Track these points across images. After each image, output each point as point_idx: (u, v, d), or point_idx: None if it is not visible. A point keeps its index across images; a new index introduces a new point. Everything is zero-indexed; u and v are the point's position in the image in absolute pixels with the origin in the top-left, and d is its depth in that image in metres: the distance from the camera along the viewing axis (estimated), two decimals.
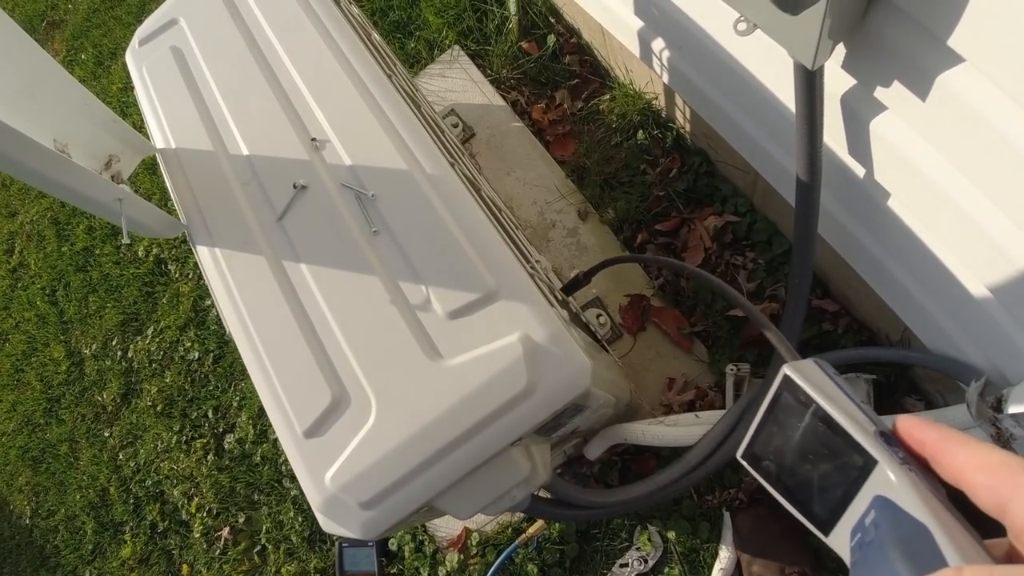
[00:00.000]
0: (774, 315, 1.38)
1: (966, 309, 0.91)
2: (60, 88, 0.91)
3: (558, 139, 1.74)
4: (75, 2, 3.02)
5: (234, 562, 1.85)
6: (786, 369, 0.33)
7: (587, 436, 1.26)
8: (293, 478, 1.82)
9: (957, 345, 0.99)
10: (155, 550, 2.03)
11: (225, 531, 1.89)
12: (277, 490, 1.85)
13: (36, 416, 2.42)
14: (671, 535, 1.37)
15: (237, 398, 1.99)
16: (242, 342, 0.86)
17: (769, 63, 0.97)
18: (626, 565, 1.38)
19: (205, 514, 1.95)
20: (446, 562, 1.54)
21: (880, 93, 0.79)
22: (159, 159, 1.03)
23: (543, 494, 1.03)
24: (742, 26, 0.74)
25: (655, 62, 1.32)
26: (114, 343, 2.29)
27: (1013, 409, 0.87)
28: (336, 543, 1.66)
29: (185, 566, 1.95)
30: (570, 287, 1.26)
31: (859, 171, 0.94)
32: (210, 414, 2.02)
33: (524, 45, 1.82)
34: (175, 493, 2.02)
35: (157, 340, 2.19)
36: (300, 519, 1.79)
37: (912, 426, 0.31)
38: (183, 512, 1.99)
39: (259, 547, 1.84)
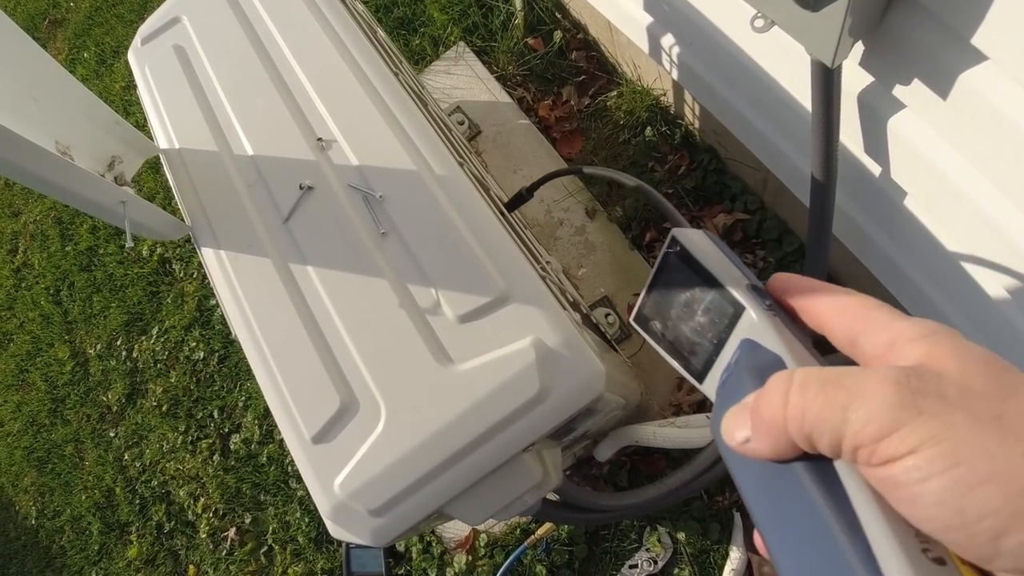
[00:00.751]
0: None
1: (983, 310, 0.89)
2: (62, 90, 0.90)
3: (565, 136, 1.72)
4: (77, 0, 3.00)
5: (240, 563, 1.85)
6: (674, 232, 0.34)
7: (596, 438, 1.24)
8: (299, 479, 1.81)
9: None
10: (161, 551, 2.02)
11: (231, 532, 1.89)
12: (283, 491, 1.85)
13: (41, 416, 2.42)
14: (681, 536, 1.36)
15: (243, 398, 1.99)
16: (248, 346, 0.85)
17: (785, 60, 0.95)
18: (636, 566, 1.37)
19: (211, 515, 1.94)
20: (454, 563, 1.53)
21: (899, 91, 0.77)
22: (163, 160, 1.02)
23: (553, 497, 1.02)
24: (759, 23, 0.72)
25: (664, 58, 1.30)
26: (119, 343, 2.29)
27: None
28: (343, 544, 1.65)
29: (191, 567, 1.95)
30: (513, 203, 1.24)
31: (875, 170, 0.93)
32: (215, 414, 2.01)
33: (530, 41, 1.80)
34: (181, 494, 2.01)
35: (162, 340, 2.19)
36: (307, 520, 1.78)
37: (783, 278, 0.32)
38: (189, 513, 1.99)
39: (265, 548, 1.84)
